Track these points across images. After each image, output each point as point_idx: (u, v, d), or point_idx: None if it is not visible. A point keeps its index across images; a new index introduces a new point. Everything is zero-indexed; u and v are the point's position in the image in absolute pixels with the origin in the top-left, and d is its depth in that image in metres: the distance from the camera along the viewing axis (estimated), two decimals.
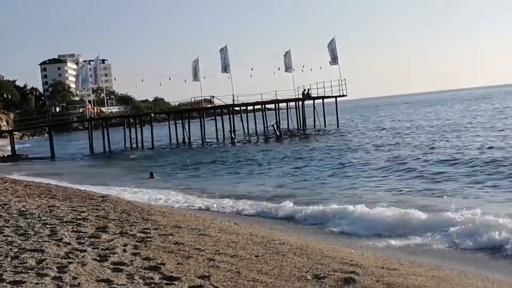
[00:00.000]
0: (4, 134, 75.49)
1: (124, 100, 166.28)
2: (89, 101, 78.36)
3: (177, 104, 74.99)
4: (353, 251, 10.84)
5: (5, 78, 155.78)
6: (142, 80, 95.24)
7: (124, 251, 8.98)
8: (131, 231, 11.00)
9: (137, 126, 62.57)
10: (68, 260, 8.20)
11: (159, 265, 7.97)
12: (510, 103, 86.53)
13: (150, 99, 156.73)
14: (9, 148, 60.65)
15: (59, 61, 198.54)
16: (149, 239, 10.04)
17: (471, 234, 12.05)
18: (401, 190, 19.38)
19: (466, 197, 17.17)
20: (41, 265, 7.89)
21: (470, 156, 26.18)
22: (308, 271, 8.03)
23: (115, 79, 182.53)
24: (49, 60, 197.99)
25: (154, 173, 30.31)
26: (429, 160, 26.56)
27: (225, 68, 59.44)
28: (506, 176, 19.90)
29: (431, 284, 7.78)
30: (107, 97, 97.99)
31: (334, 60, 61.72)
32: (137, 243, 9.66)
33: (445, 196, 17.33)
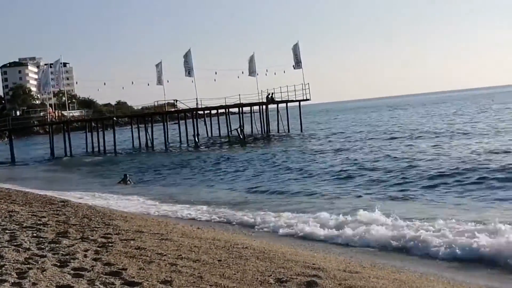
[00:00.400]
0: None
1: (86, 103, 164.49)
2: (50, 105, 77.26)
3: (140, 108, 74.41)
4: (315, 254, 10.88)
5: None
6: (105, 84, 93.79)
7: (85, 256, 8.87)
8: (92, 236, 10.87)
9: (99, 130, 61.95)
10: (28, 265, 8.06)
11: (120, 270, 7.88)
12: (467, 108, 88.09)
13: (113, 103, 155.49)
14: None
15: (20, 64, 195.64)
16: (110, 244, 9.94)
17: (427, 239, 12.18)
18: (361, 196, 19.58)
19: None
20: (0, 271, 7.74)
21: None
22: (271, 275, 8.03)
23: (76, 83, 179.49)
24: (9, 63, 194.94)
25: (128, 175, 29.75)
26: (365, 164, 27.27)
27: (189, 72, 59.22)
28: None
29: (392, 287, 7.84)
30: (69, 101, 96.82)
31: (297, 64, 62.00)
32: (98, 248, 9.54)
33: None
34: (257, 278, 7.81)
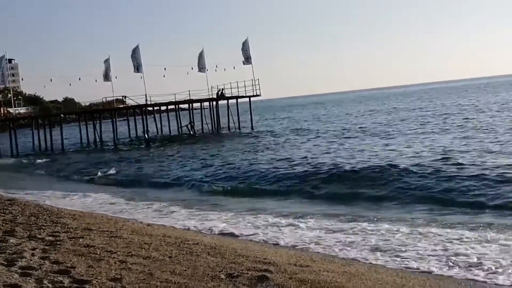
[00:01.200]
0: None
1: (33, 100, 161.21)
2: None
3: (88, 104, 73.22)
4: (266, 249, 10.92)
5: None
6: (51, 80, 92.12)
7: (33, 255, 8.73)
8: (40, 234, 10.70)
9: (46, 128, 60.76)
10: None
11: (69, 269, 7.78)
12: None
13: (60, 100, 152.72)
14: None
15: None
16: (58, 243, 9.80)
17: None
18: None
19: None
20: None
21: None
22: (222, 271, 8.03)
23: (22, 79, 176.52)
24: None
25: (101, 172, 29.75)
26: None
27: (138, 68, 58.51)
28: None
29: (342, 280, 7.93)
30: (15, 98, 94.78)
31: (247, 60, 61.94)
32: (46, 247, 9.40)
33: None
34: (208, 274, 7.81)
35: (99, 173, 30.79)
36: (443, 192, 17.03)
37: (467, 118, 45.14)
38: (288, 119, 78.28)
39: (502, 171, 18.49)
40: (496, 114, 46.31)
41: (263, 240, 12.35)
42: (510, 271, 9.04)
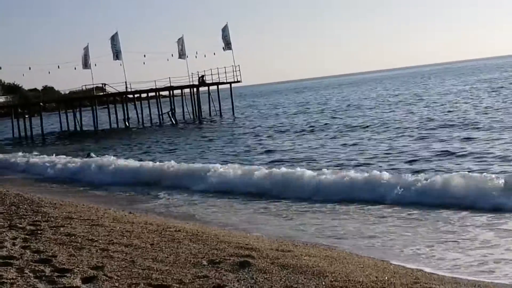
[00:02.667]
0: None
1: (12, 89, 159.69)
2: None
3: (67, 92, 72.58)
4: (248, 235, 10.96)
5: None
6: (30, 69, 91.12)
7: (14, 244, 8.69)
8: (21, 224, 10.65)
9: (26, 116, 60.31)
10: None
11: (50, 258, 7.75)
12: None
13: (39, 88, 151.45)
14: None
15: None
16: (39, 232, 9.75)
17: None
18: None
19: None
20: None
21: None
22: (204, 257, 8.04)
23: (0, 68, 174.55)
24: None
25: (92, 153, 29.45)
26: None
27: (117, 55, 58.16)
28: None
29: (324, 264, 7.97)
30: None
31: (227, 45, 61.82)
32: (27, 236, 9.36)
33: None
34: (190, 261, 7.81)
35: None
36: None
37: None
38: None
39: None
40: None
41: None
42: None
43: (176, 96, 62.49)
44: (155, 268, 7.35)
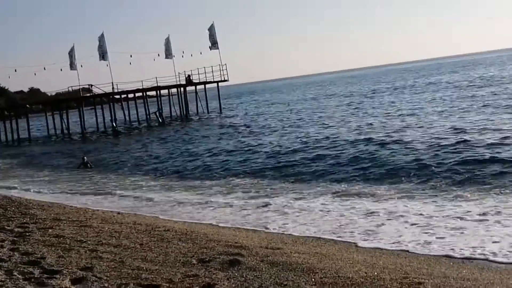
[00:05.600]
0: None
1: None
2: None
3: (54, 94, 72.21)
4: (238, 233, 10.95)
5: None
6: (16, 71, 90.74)
7: (2, 247, 8.65)
8: (9, 226, 10.60)
9: (12, 119, 59.90)
10: None
11: (39, 259, 7.72)
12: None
13: (26, 90, 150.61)
14: None
15: None
16: (28, 234, 9.71)
17: None
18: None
19: None
20: None
21: None
22: (194, 256, 8.04)
23: None
24: None
25: (86, 159, 28.17)
26: None
27: (103, 56, 57.85)
28: None
29: (313, 261, 7.99)
30: None
31: (214, 45, 61.67)
32: (16, 238, 9.32)
33: None
34: (180, 260, 7.81)
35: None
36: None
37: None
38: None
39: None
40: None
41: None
42: None
43: (163, 96, 62.26)
44: (144, 268, 7.33)
